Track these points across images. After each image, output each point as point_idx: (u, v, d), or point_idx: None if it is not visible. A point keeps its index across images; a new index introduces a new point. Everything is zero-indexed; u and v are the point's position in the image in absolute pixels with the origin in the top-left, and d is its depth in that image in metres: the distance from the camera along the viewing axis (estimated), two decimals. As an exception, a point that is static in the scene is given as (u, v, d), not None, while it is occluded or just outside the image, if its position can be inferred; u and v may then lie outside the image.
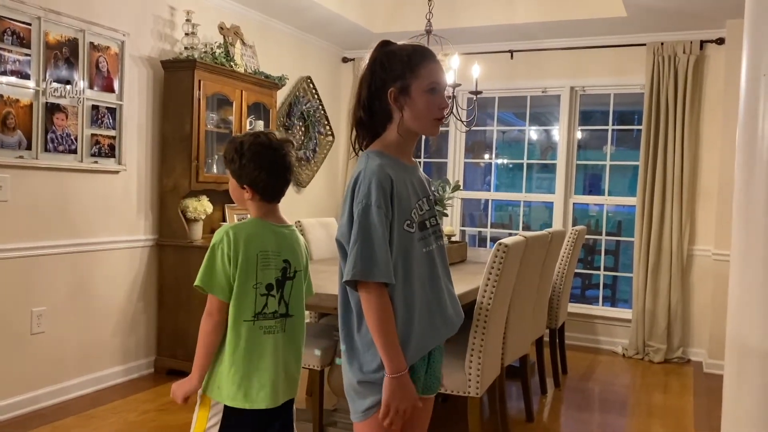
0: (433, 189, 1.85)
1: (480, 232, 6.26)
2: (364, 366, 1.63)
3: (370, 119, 1.70)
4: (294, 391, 1.98)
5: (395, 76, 1.65)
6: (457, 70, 3.95)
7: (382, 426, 1.61)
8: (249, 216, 1.98)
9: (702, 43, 4.92)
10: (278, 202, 1.98)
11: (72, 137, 3.58)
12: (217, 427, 1.84)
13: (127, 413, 3.47)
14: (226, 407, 1.85)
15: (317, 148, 5.81)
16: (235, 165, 1.90)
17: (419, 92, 1.65)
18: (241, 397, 1.83)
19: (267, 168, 1.89)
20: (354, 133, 1.74)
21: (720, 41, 4.88)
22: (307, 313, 4.25)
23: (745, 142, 1.58)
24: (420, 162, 6.04)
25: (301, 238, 2.03)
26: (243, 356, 1.84)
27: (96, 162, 3.74)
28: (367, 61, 1.71)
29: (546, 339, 4.27)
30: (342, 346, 1.69)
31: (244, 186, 1.91)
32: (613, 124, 5.51)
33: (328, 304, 2.81)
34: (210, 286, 1.83)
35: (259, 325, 1.86)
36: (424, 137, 3.13)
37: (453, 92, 4.05)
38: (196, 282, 1.84)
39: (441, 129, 1.81)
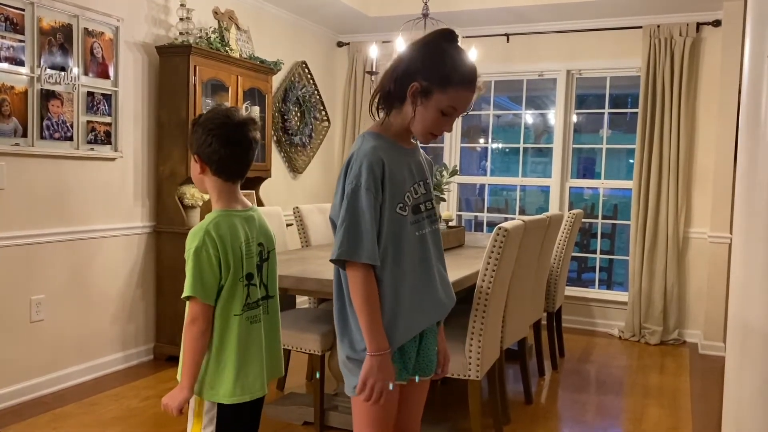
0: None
1: (476, 216, 6.27)
2: (355, 344, 1.66)
3: (394, 93, 1.64)
4: (280, 370, 1.95)
5: (428, 76, 1.60)
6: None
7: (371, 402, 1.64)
8: (212, 204, 1.85)
9: (698, 25, 4.91)
10: (235, 182, 1.85)
11: (68, 124, 3.56)
12: (214, 423, 1.78)
13: (128, 400, 3.48)
14: (220, 406, 1.78)
15: (313, 134, 5.78)
16: (189, 136, 1.81)
17: (434, 106, 1.61)
18: (239, 391, 1.78)
19: (215, 134, 1.75)
20: (376, 101, 1.68)
21: (716, 23, 4.87)
22: (305, 298, 4.29)
23: (749, 123, 1.58)
24: (416, 147, 6.02)
25: (263, 215, 1.96)
26: (236, 351, 1.77)
27: (92, 149, 3.72)
28: (421, 38, 1.65)
29: (544, 322, 4.30)
30: (335, 323, 1.72)
31: (194, 156, 1.79)
32: (608, 108, 5.51)
33: (329, 290, 2.79)
34: (203, 295, 1.72)
35: (247, 316, 1.80)
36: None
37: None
38: (188, 293, 1.71)
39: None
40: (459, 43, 1.65)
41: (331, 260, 1.64)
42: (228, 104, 4.40)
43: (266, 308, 1.89)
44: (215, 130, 1.76)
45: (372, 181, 1.59)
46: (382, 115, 1.69)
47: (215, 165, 1.78)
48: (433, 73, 1.60)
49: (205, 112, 1.83)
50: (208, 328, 1.75)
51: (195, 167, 1.82)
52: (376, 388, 1.61)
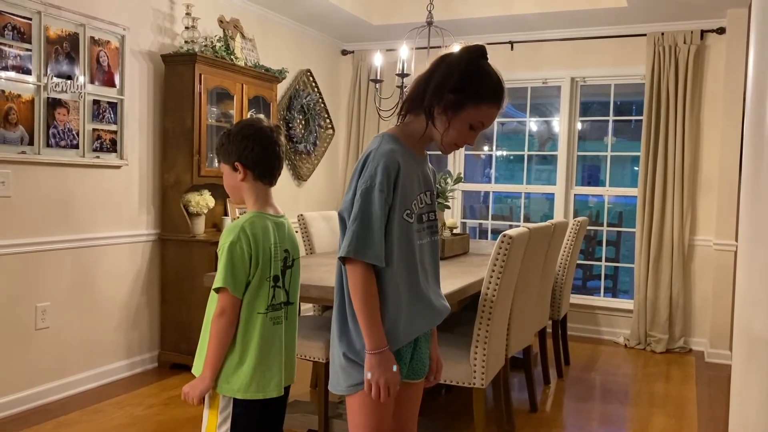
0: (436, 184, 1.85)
1: (481, 224, 6.26)
2: (354, 343, 1.67)
3: (426, 103, 1.65)
4: (293, 377, 2.01)
5: (463, 91, 1.62)
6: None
7: (368, 400, 1.64)
8: (247, 208, 1.94)
9: (702, 32, 4.91)
10: (272, 184, 1.95)
11: (74, 132, 3.57)
12: (229, 421, 1.84)
13: (132, 407, 3.48)
14: (235, 401, 1.85)
15: (317, 142, 5.80)
16: (223, 147, 1.91)
17: (465, 119, 1.64)
18: (254, 388, 1.84)
19: (255, 138, 1.87)
20: (406, 103, 1.70)
21: (720, 31, 4.87)
22: (310, 305, 4.28)
23: (753, 130, 1.58)
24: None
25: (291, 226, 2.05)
26: (257, 348, 1.84)
27: (98, 157, 3.73)
28: (457, 53, 1.66)
29: (549, 330, 4.28)
30: (333, 320, 1.73)
31: (235, 164, 1.88)
32: (613, 115, 5.51)
33: (332, 297, 2.81)
34: (233, 287, 1.81)
35: (270, 316, 1.88)
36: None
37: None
38: (219, 284, 1.80)
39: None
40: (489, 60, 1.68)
41: (339, 258, 1.66)
42: (233, 112, 4.42)
43: (286, 314, 1.95)
44: (254, 135, 1.88)
45: (386, 183, 1.61)
46: (407, 119, 1.71)
47: (259, 168, 1.89)
48: (470, 88, 1.62)
49: (232, 126, 1.96)
50: (235, 321, 1.84)
51: (233, 176, 1.91)
52: (382, 384, 1.62)
